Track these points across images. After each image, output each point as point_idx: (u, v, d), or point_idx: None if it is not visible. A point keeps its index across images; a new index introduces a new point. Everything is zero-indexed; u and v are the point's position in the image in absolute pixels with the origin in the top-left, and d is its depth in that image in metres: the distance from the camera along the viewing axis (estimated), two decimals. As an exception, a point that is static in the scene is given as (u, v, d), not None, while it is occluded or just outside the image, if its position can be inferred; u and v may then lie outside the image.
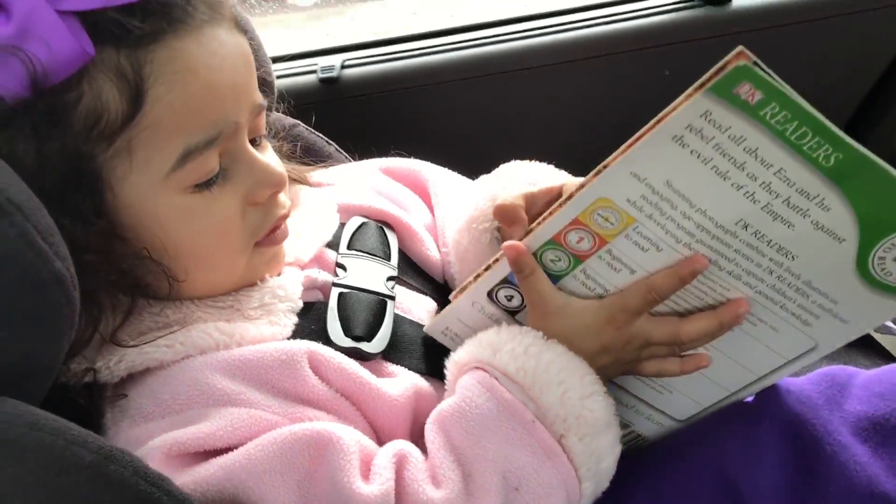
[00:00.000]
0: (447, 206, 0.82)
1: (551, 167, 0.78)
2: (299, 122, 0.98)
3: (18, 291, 0.46)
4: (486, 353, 0.59)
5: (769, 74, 0.46)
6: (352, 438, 0.55)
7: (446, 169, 0.89)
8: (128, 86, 0.52)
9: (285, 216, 0.64)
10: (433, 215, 0.83)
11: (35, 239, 0.46)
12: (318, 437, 0.54)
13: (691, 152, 0.49)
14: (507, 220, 0.65)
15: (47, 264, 0.46)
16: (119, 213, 0.56)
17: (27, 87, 0.50)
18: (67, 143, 0.52)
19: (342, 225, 0.74)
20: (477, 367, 0.59)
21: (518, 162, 0.79)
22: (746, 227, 0.51)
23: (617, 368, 0.61)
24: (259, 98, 0.61)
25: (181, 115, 0.54)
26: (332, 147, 1.00)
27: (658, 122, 0.50)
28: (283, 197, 0.64)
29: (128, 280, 0.58)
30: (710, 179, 0.49)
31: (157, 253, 0.58)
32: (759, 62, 0.46)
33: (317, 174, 0.84)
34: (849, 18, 1.17)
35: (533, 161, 0.79)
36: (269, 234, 0.63)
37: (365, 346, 0.64)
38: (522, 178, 0.75)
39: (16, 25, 0.49)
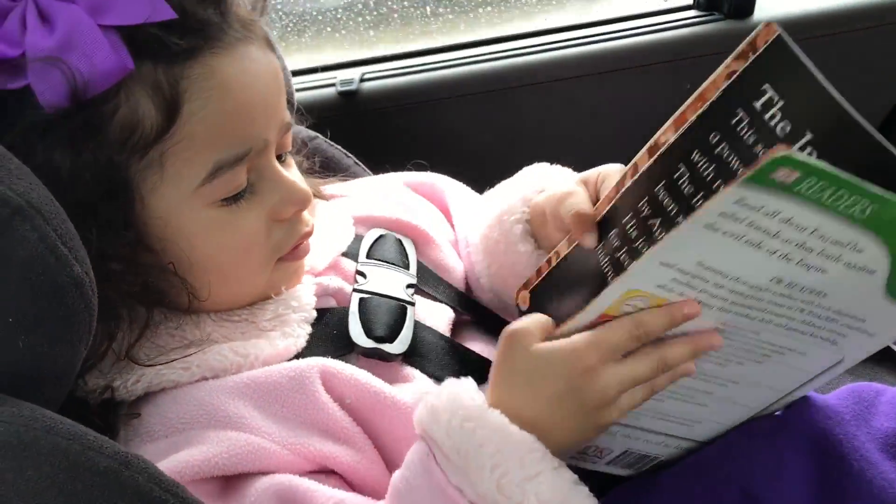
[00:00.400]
0: (467, 211, 0.81)
1: (571, 171, 0.77)
2: (318, 134, 0.99)
3: (38, 295, 0.46)
4: (426, 418, 0.52)
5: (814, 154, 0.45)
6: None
7: (461, 184, 0.88)
8: (164, 100, 0.53)
9: (309, 234, 0.65)
10: (452, 227, 0.82)
11: (55, 243, 0.46)
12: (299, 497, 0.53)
13: (723, 234, 0.47)
14: (583, 227, 0.59)
15: (67, 268, 0.46)
16: (148, 224, 0.57)
17: (67, 97, 0.51)
18: (102, 154, 0.53)
19: (359, 238, 0.74)
20: (422, 437, 0.53)
21: (539, 165, 0.78)
22: (780, 282, 0.49)
23: (583, 424, 0.52)
24: (287, 116, 0.62)
25: (213, 131, 0.55)
26: (350, 160, 1.00)
27: (685, 202, 0.49)
28: (306, 215, 0.65)
29: (150, 293, 0.59)
30: (743, 251, 0.47)
31: (183, 267, 0.58)
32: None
33: (333, 187, 0.84)
34: (874, 32, 1.16)
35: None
36: (291, 251, 0.64)
37: (387, 347, 0.64)
38: (544, 181, 0.74)
39: (59, 38, 0.50)
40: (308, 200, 0.63)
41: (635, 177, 0.57)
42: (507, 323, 0.77)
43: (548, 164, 0.78)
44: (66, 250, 0.46)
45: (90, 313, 0.48)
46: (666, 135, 0.55)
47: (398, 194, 0.83)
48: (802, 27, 1.17)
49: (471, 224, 0.79)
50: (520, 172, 0.79)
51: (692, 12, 1.21)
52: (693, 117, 0.52)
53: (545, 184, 0.73)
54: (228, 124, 0.56)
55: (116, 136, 0.53)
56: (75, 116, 0.52)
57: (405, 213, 0.79)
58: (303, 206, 0.63)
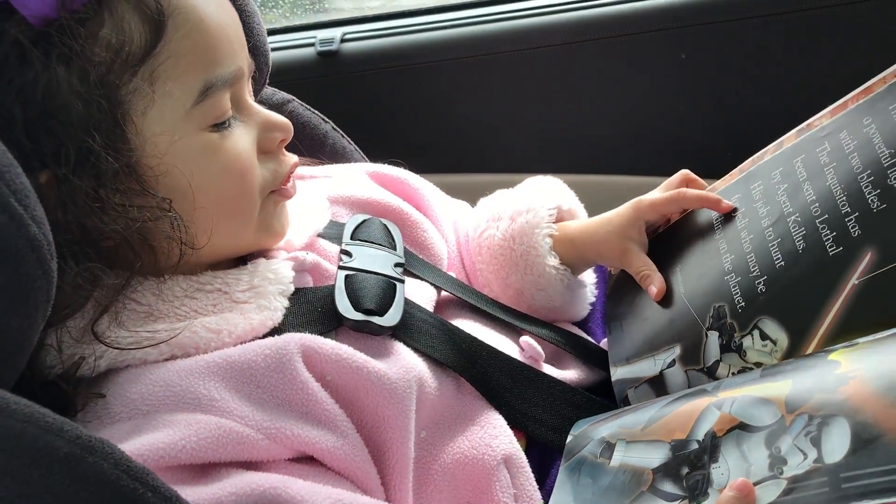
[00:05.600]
0: (460, 217, 0.84)
1: (564, 188, 0.82)
2: (294, 97, 0.94)
3: (-12, 260, 0.41)
4: None
5: None
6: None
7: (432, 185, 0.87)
8: (149, 13, 0.53)
9: (296, 165, 0.66)
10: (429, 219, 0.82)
11: (8, 200, 0.41)
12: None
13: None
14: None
15: (22, 229, 0.41)
16: (143, 153, 0.55)
17: (53, 7, 0.50)
18: (90, 73, 0.52)
19: (334, 222, 0.73)
20: None
21: (541, 178, 0.82)
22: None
23: None
24: (250, 61, 0.63)
25: (199, 49, 0.56)
26: (328, 125, 0.96)
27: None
28: (288, 154, 0.66)
29: (136, 244, 0.56)
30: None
31: (181, 202, 0.57)
32: None
33: (305, 169, 0.82)
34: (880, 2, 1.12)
35: (548, 174, 0.83)
36: (281, 186, 0.64)
37: (377, 320, 0.62)
38: (559, 197, 0.79)
39: None
40: (290, 129, 0.64)
41: (778, 151, 0.68)
42: (496, 302, 0.75)
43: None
44: (21, 209, 0.41)
45: (48, 280, 0.44)
46: (821, 119, 0.65)
47: (364, 181, 0.81)
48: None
49: (475, 234, 0.81)
50: (523, 185, 0.83)
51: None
52: (853, 105, 0.62)
53: (562, 199, 0.79)
54: (211, 45, 0.57)
55: (104, 54, 0.52)
56: (61, 30, 0.51)
57: (379, 194, 0.79)
58: (286, 134, 0.64)
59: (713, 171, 1.06)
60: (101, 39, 0.52)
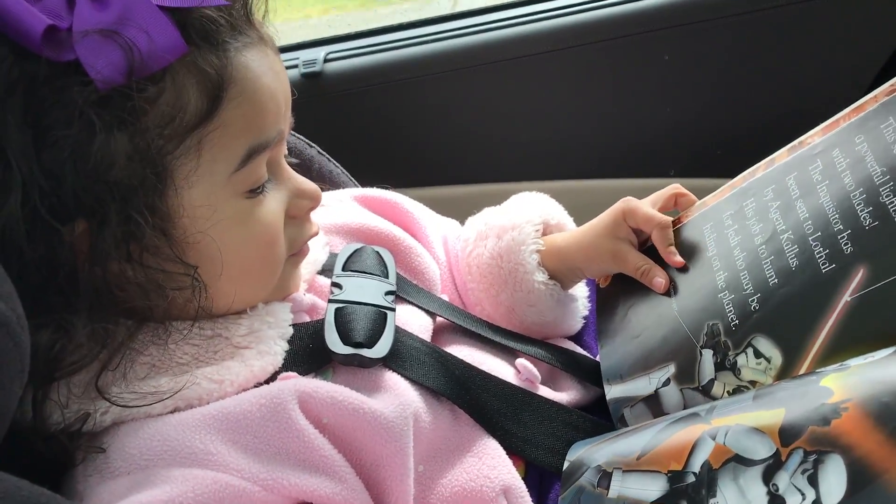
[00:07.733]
0: (451, 236, 0.84)
1: (551, 201, 0.82)
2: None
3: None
4: None
5: None
6: None
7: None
8: (210, 85, 0.53)
9: (316, 233, 0.66)
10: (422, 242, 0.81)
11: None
12: None
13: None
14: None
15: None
16: (179, 215, 0.55)
17: (123, 73, 0.50)
18: (142, 137, 0.52)
19: (333, 253, 0.73)
20: None
21: (527, 194, 0.82)
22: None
23: None
24: (291, 118, 0.63)
25: (248, 117, 0.56)
26: (313, 150, 0.94)
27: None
28: (312, 221, 0.66)
29: (153, 298, 0.55)
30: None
31: (208, 264, 0.57)
32: None
33: None
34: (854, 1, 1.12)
35: (536, 191, 0.83)
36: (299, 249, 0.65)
37: (365, 352, 0.61)
38: (546, 211, 0.79)
39: (115, 13, 0.50)
40: (319, 197, 0.64)
41: (769, 168, 0.67)
42: (490, 325, 0.75)
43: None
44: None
45: (21, 351, 0.43)
46: (813, 137, 0.64)
47: (355, 207, 0.81)
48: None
49: (464, 254, 0.81)
50: (509, 201, 0.83)
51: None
52: (845, 124, 0.62)
53: (548, 214, 0.79)
54: (260, 112, 0.57)
55: (158, 120, 0.52)
56: (123, 96, 0.50)
57: (372, 220, 0.78)
58: (315, 202, 0.64)
59: (703, 170, 1.05)
60: (159, 106, 0.52)
